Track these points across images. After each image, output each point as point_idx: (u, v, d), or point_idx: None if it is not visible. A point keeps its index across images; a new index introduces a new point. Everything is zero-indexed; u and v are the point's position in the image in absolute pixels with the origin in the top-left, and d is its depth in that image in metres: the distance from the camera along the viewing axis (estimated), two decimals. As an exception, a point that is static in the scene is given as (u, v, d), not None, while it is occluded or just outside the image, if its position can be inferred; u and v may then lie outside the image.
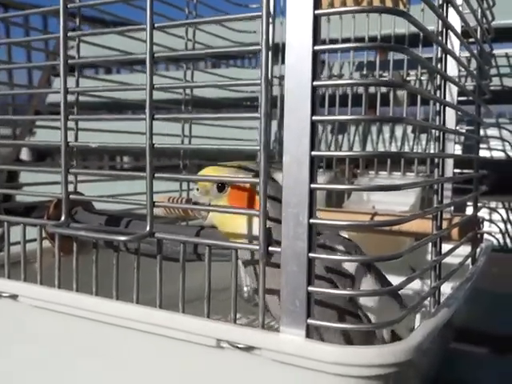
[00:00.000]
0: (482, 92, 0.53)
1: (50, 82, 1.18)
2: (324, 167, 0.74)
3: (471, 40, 0.56)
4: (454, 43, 0.64)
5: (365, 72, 0.72)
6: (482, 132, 0.74)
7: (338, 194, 0.71)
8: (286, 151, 0.27)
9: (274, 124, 0.79)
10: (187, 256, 0.34)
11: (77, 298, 0.34)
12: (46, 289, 0.36)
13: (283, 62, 0.27)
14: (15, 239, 0.39)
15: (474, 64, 0.73)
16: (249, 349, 0.29)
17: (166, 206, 0.32)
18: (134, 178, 0.32)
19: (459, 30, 0.62)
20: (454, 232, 0.52)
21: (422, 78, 0.70)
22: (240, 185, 0.33)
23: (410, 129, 0.76)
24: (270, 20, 0.28)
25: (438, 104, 0.35)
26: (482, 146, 0.74)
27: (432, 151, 0.70)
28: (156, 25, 0.31)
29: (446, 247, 0.50)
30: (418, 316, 0.34)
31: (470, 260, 0.52)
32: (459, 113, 0.63)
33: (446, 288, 0.42)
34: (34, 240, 0.38)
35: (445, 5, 0.36)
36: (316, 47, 0.26)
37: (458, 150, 0.71)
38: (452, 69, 0.65)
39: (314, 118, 0.27)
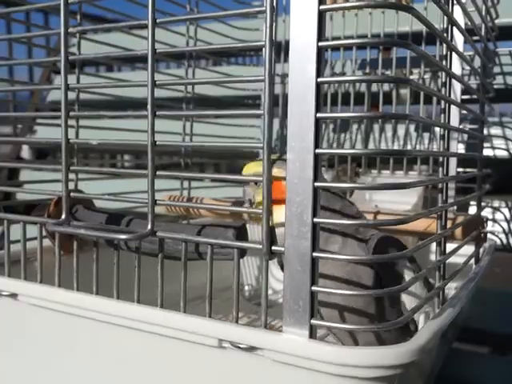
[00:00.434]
0: (485, 90, 0.53)
1: (50, 80, 1.17)
2: (326, 166, 0.73)
3: (475, 38, 0.56)
4: (458, 41, 0.64)
5: (367, 70, 0.71)
6: (485, 131, 0.74)
7: (341, 192, 0.71)
8: (290, 149, 0.27)
9: (276, 122, 0.78)
10: (189, 255, 0.34)
11: (76, 297, 0.34)
12: (46, 287, 0.35)
13: (285, 60, 0.27)
14: (15, 237, 0.39)
15: (477, 62, 0.73)
16: (251, 349, 0.28)
17: (167, 205, 0.32)
18: (135, 176, 0.32)
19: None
20: (458, 231, 0.52)
21: (425, 76, 0.69)
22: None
23: (412, 127, 0.76)
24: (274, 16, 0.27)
25: (442, 102, 0.35)
26: (485, 144, 0.74)
27: (435, 150, 0.70)
28: (158, 20, 0.30)
29: (449, 246, 0.50)
30: (421, 317, 0.33)
31: (473, 259, 0.52)
32: (463, 111, 0.62)
33: (450, 288, 0.42)
34: (35, 238, 0.38)
35: (450, 1, 0.35)
36: (321, 43, 0.26)
37: (460, 148, 0.70)
38: (456, 67, 0.65)
39: (319, 115, 0.26)
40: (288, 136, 0.27)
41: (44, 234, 0.40)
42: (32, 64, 0.44)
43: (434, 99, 0.67)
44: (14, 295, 0.36)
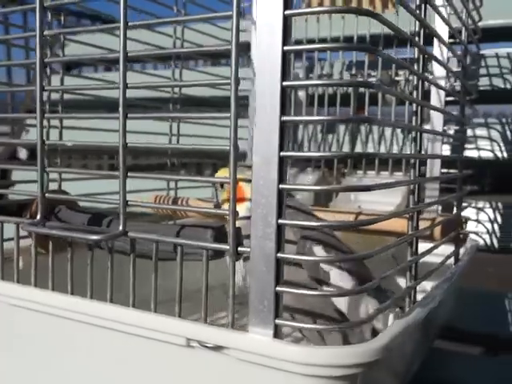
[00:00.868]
0: (466, 92, 0.53)
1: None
2: (312, 167, 0.74)
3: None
4: (442, 45, 0.64)
5: (353, 72, 0.72)
6: (470, 132, 0.74)
7: (326, 193, 0.71)
8: (256, 151, 0.27)
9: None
10: (168, 255, 0.35)
11: (50, 296, 0.34)
12: (22, 287, 0.36)
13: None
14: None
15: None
16: (218, 348, 0.29)
17: (138, 206, 0.32)
18: (109, 177, 0.32)
19: (446, 31, 0.63)
20: (437, 232, 0.53)
21: (411, 77, 0.69)
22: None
23: (399, 129, 0.76)
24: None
25: (414, 104, 0.35)
26: (470, 146, 0.74)
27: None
28: (130, 23, 0.31)
29: (427, 247, 0.50)
30: (391, 316, 0.33)
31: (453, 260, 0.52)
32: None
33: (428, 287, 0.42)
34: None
35: (423, 5, 0.36)
36: (286, 47, 0.26)
37: (446, 150, 0.71)
38: (439, 69, 0.65)
39: (284, 118, 0.27)
40: (254, 139, 0.27)
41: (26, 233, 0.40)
42: (10, 65, 0.45)
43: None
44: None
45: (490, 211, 0.71)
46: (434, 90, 0.65)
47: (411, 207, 0.35)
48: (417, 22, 0.35)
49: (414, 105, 0.35)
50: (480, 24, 0.72)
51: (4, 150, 1.21)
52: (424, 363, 0.50)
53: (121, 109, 0.31)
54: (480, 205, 0.71)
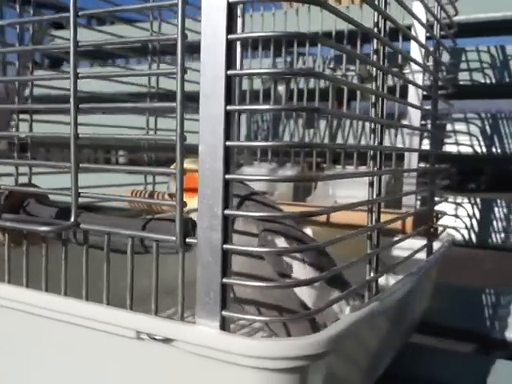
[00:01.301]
0: (438, 86, 0.53)
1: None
2: (292, 162, 0.74)
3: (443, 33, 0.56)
4: (421, 37, 0.64)
5: (332, 66, 0.71)
6: (449, 127, 0.74)
7: (305, 188, 0.71)
8: (202, 141, 0.27)
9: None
10: (136, 248, 0.34)
11: (4, 289, 0.34)
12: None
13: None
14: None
15: (445, 58, 0.73)
16: (166, 340, 0.28)
17: (91, 197, 0.32)
18: (61, 169, 0.32)
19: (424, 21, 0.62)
20: (408, 226, 0.52)
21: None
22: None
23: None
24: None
25: (373, 96, 0.35)
26: (450, 140, 0.74)
27: (401, 145, 0.70)
28: (80, 13, 0.30)
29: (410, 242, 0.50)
30: (347, 309, 0.33)
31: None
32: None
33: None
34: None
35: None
36: (230, 36, 0.26)
37: (426, 144, 0.70)
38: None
39: (229, 107, 0.26)
40: (200, 128, 0.27)
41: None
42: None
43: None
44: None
45: (468, 206, 0.71)
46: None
47: (367, 200, 0.35)
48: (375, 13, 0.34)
49: (373, 97, 0.35)
50: (461, 18, 0.72)
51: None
52: (398, 358, 0.50)
53: (72, 99, 0.31)
54: (458, 200, 0.71)
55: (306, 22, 0.71)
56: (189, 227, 0.29)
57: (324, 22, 0.70)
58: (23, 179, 0.51)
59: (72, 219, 0.32)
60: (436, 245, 0.55)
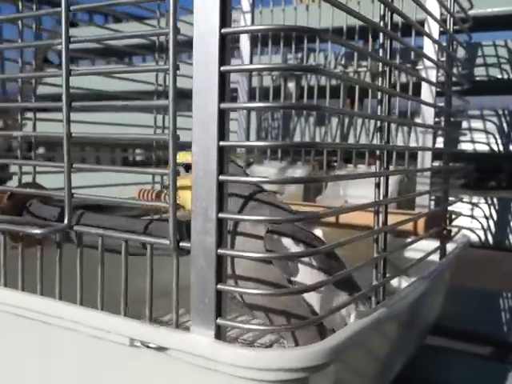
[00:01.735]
0: (452, 83, 0.51)
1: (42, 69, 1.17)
2: (302, 160, 0.72)
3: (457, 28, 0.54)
4: (434, 32, 0.62)
5: (343, 62, 0.70)
6: (465, 124, 0.72)
7: (315, 187, 0.70)
8: (195, 141, 0.26)
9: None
10: (136, 250, 0.33)
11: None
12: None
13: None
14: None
15: (461, 53, 0.71)
16: (160, 349, 0.27)
17: (84, 199, 0.31)
18: (55, 169, 0.31)
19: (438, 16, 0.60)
20: (420, 227, 0.51)
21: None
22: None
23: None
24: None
25: (379, 93, 0.33)
26: (466, 138, 0.72)
27: (414, 144, 0.68)
28: (72, 7, 0.29)
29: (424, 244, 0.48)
30: (352, 316, 0.32)
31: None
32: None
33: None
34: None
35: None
36: (224, 30, 0.25)
37: (440, 143, 0.68)
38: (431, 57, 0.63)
39: (222, 105, 0.25)
40: (193, 127, 0.26)
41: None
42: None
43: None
44: None
45: (485, 206, 0.68)
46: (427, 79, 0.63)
47: (374, 201, 0.33)
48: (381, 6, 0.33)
49: (379, 94, 0.33)
50: (477, 12, 0.70)
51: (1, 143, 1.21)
52: (412, 362, 0.48)
53: (64, 97, 0.30)
54: (475, 200, 0.69)
55: (317, 17, 0.70)
56: (183, 230, 0.27)
57: (335, 18, 0.68)
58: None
59: (65, 221, 0.31)
60: (451, 246, 0.53)
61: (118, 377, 0.30)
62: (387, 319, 0.33)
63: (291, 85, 0.73)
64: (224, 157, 0.25)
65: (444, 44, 0.49)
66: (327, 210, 0.27)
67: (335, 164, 0.70)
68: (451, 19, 0.50)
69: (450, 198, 0.58)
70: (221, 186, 0.25)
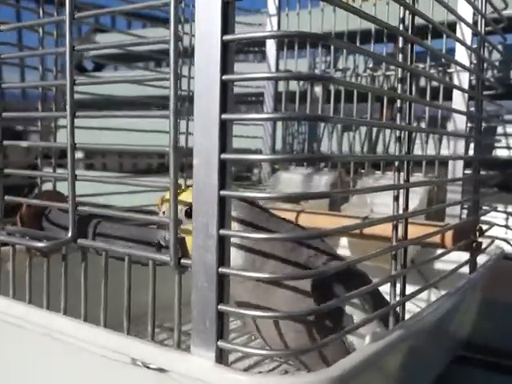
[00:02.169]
0: (484, 87, 0.48)
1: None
2: (329, 167, 0.70)
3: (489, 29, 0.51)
4: (466, 34, 0.60)
5: (371, 66, 0.67)
6: (500, 129, 0.68)
7: (341, 196, 0.67)
8: (196, 153, 0.24)
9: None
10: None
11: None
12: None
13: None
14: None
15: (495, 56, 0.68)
16: (161, 370, 0.26)
17: (88, 212, 0.30)
18: (59, 178, 0.30)
19: (470, 21, 0.58)
20: (448, 239, 0.48)
21: (432, 70, 0.65)
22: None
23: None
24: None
25: (399, 100, 0.31)
26: (501, 144, 0.68)
27: (446, 152, 0.65)
28: (76, 15, 0.28)
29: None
30: (367, 337, 0.30)
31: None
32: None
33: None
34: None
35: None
36: (225, 37, 0.23)
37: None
38: (464, 61, 0.60)
39: (224, 116, 0.24)
40: (194, 139, 0.24)
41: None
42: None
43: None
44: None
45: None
46: (456, 83, 0.60)
47: (393, 215, 0.31)
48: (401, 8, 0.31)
49: (399, 101, 0.31)
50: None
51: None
52: (440, 380, 0.46)
53: (68, 107, 0.29)
54: (510, 209, 0.65)
55: (344, 20, 0.68)
56: (186, 247, 0.26)
57: (362, 20, 0.66)
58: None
59: (69, 234, 0.30)
60: (483, 258, 0.50)
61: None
62: (405, 341, 0.31)
63: (318, 89, 0.71)
64: (226, 170, 0.24)
65: (475, 46, 0.47)
66: (332, 228, 0.25)
67: (363, 171, 0.68)
68: (482, 20, 0.47)
69: (484, 207, 0.56)
70: (222, 201, 0.24)
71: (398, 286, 0.32)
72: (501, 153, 0.67)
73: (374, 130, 0.73)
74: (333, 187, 0.65)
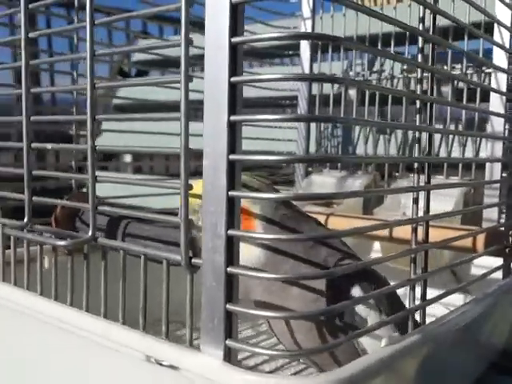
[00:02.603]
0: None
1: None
2: (362, 169, 0.69)
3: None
4: (504, 35, 0.58)
5: (405, 67, 0.66)
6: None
7: (375, 198, 0.67)
8: (205, 154, 0.25)
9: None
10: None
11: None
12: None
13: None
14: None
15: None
16: (173, 367, 0.27)
17: (110, 212, 0.31)
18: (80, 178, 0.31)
19: (509, 21, 0.56)
20: (480, 244, 0.47)
21: (468, 71, 0.63)
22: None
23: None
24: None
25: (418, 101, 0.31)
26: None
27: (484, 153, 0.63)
28: (97, 21, 0.29)
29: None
30: (383, 341, 0.29)
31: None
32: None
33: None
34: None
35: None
36: (234, 39, 0.24)
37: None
38: (501, 62, 0.58)
39: (232, 117, 0.24)
40: (204, 140, 0.25)
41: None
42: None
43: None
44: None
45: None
46: (494, 84, 0.59)
47: (410, 218, 0.31)
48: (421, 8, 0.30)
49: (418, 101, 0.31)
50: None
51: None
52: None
53: (88, 110, 0.30)
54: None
55: (378, 22, 0.67)
56: (197, 246, 0.27)
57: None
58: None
59: (90, 233, 0.31)
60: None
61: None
62: (424, 345, 0.30)
63: (352, 92, 0.71)
64: (235, 171, 0.24)
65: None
66: (350, 229, 0.25)
67: (397, 174, 0.67)
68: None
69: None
70: (231, 201, 0.24)
71: (418, 290, 0.32)
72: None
73: (410, 132, 0.72)
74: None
